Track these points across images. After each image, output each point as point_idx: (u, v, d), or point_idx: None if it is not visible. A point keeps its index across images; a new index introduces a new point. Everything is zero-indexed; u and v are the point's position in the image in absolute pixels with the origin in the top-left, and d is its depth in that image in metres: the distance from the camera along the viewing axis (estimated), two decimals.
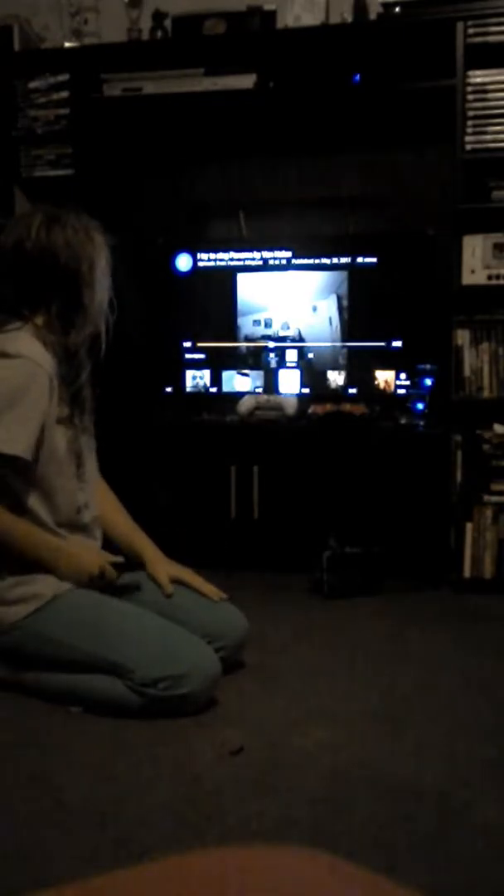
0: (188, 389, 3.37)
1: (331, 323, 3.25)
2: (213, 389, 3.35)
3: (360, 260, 3.21)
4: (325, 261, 3.25)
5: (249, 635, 2.09)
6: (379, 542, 2.89)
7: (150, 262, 3.36)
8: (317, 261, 3.25)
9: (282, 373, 3.30)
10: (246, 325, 3.32)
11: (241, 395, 3.29)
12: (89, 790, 1.51)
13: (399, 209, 3.29)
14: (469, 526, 2.91)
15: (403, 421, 3.10)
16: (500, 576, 2.89)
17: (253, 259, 3.30)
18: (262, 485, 3.08)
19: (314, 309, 3.26)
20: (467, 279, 2.90)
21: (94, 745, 1.69)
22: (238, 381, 3.33)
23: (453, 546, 2.94)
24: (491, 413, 2.92)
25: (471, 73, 2.83)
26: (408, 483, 2.98)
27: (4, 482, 1.87)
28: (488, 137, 2.85)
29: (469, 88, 2.84)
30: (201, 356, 3.36)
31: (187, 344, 3.36)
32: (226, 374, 3.34)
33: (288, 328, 3.28)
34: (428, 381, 3.10)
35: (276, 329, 3.29)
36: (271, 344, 3.30)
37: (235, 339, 3.33)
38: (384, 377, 3.21)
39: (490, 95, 2.84)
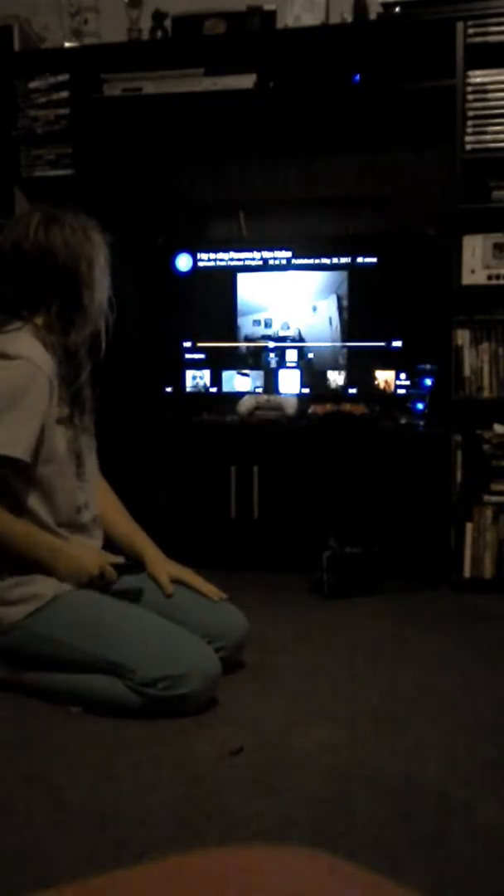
0: (188, 389, 3.37)
1: (331, 323, 3.25)
2: (213, 389, 3.35)
3: (360, 260, 3.21)
4: (325, 261, 3.25)
5: (249, 635, 2.09)
6: (379, 542, 2.88)
7: (150, 262, 3.36)
8: (317, 261, 3.25)
9: (282, 373, 3.30)
10: (246, 325, 3.32)
11: (241, 395, 3.29)
12: (89, 790, 1.51)
13: (399, 209, 3.29)
14: (469, 526, 2.91)
15: (403, 421, 3.10)
16: (500, 576, 2.89)
17: (253, 259, 3.30)
18: (262, 485, 3.08)
19: (314, 309, 3.26)
20: (467, 279, 2.90)
21: (94, 745, 1.69)
22: (238, 381, 3.33)
23: (453, 546, 2.94)
24: (491, 413, 2.92)
25: (471, 73, 2.83)
26: (408, 483, 2.98)
27: (4, 482, 1.87)
28: (488, 137, 2.85)
29: (469, 88, 2.84)
30: (201, 356, 3.36)
31: (187, 344, 3.36)
32: (226, 374, 3.34)
33: (288, 328, 3.28)
34: (428, 381, 3.10)
35: (276, 329, 3.29)
36: (271, 344, 3.30)
37: (235, 339, 3.33)
38: (384, 377, 3.21)
39: (490, 95, 2.84)
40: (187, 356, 3.36)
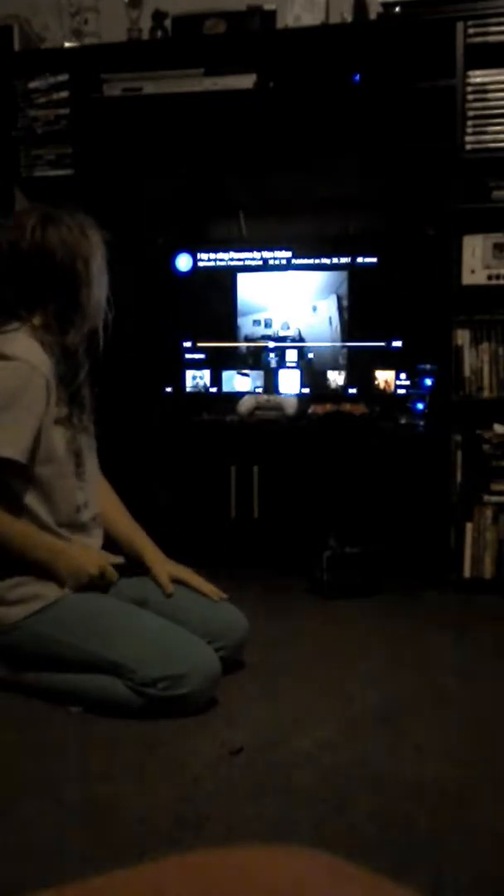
0: (188, 389, 3.37)
1: (331, 323, 3.25)
2: (213, 389, 3.35)
3: (360, 260, 3.21)
4: (325, 261, 3.24)
5: (249, 635, 2.09)
6: (379, 542, 2.88)
7: (150, 262, 3.36)
8: (317, 261, 3.25)
9: (282, 373, 3.30)
10: (246, 325, 3.32)
11: (241, 395, 3.29)
12: (89, 790, 1.51)
13: (399, 209, 3.29)
14: (469, 526, 2.91)
15: (403, 421, 3.10)
16: (500, 576, 2.89)
17: (253, 259, 3.30)
18: (262, 485, 3.08)
19: (314, 309, 3.26)
20: (467, 279, 2.90)
21: (94, 745, 1.69)
22: (238, 381, 3.33)
23: (453, 546, 2.94)
24: (491, 413, 2.92)
25: (471, 73, 2.83)
26: (408, 483, 2.98)
27: (3, 483, 1.87)
28: (488, 137, 2.85)
29: (469, 88, 2.84)
30: (201, 356, 3.36)
31: (187, 344, 3.36)
32: (226, 374, 3.34)
33: (288, 328, 3.28)
34: (428, 381, 3.10)
35: (276, 329, 3.29)
36: (271, 344, 3.30)
37: (235, 339, 3.33)
38: (384, 377, 3.21)
39: (490, 95, 2.84)
40: (187, 356, 3.36)
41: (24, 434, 1.84)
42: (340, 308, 3.24)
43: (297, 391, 3.28)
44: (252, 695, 1.96)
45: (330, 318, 3.25)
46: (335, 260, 3.23)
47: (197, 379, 3.36)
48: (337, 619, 2.60)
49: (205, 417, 3.32)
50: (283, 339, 3.29)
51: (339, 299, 3.24)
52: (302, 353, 3.28)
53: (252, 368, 3.32)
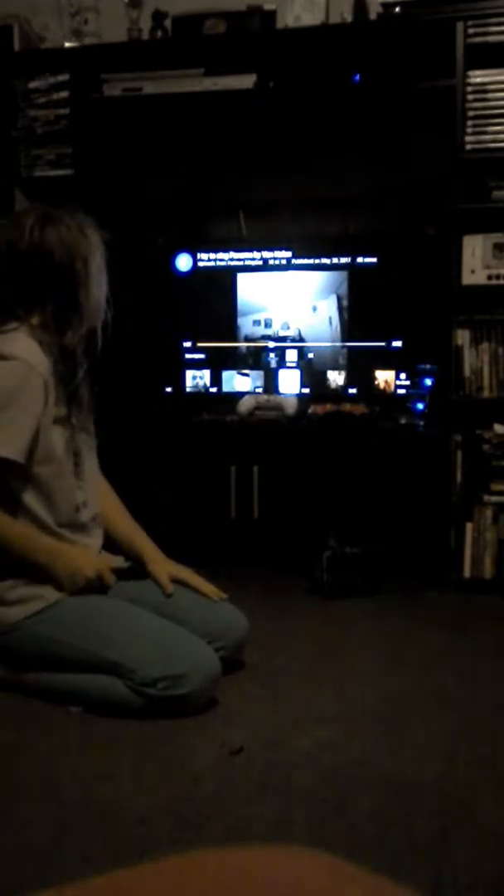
0: (188, 389, 3.37)
1: (331, 323, 3.25)
2: (213, 389, 3.35)
3: (360, 260, 3.21)
4: (325, 261, 3.25)
5: (249, 635, 2.09)
6: (379, 542, 2.88)
7: (150, 262, 3.36)
8: (317, 261, 3.25)
9: (282, 373, 3.30)
10: (246, 325, 3.32)
11: (241, 395, 3.29)
12: (89, 790, 1.51)
13: (399, 209, 3.29)
14: (469, 526, 2.91)
15: (403, 421, 3.10)
16: (500, 576, 2.89)
17: (253, 259, 3.30)
18: (262, 485, 3.08)
19: (314, 309, 3.26)
20: (467, 279, 2.90)
21: (94, 745, 1.69)
22: (238, 381, 3.33)
23: (453, 546, 2.94)
24: (491, 413, 2.92)
25: (471, 73, 2.83)
26: (408, 483, 2.98)
27: (2, 483, 1.87)
28: (488, 137, 2.85)
29: (469, 88, 2.84)
30: (201, 356, 3.36)
31: (187, 344, 3.36)
32: (226, 374, 3.34)
33: (288, 328, 3.28)
34: (428, 381, 3.10)
35: (276, 329, 3.29)
36: (271, 344, 3.30)
37: (235, 339, 3.33)
38: (384, 377, 3.21)
39: (490, 95, 2.84)
40: (187, 356, 3.36)
41: (22, 434, 1.84)
42: (340, 308, 3.24)
43: (297, 391, 3.28)
44: (252, 695, 1.96)
45: (330, 318, 3.25)
46: (335, 260, 3.23)
47: (197, 379, 3.36)
48: (337, 619, 2.60)
49: (205, 417, 3.33)
50: (283, 339, 3.29)
51: (339, 299, 3.24)
52: (302, 353, 3.28)
53: (252, 368, 3.32)
